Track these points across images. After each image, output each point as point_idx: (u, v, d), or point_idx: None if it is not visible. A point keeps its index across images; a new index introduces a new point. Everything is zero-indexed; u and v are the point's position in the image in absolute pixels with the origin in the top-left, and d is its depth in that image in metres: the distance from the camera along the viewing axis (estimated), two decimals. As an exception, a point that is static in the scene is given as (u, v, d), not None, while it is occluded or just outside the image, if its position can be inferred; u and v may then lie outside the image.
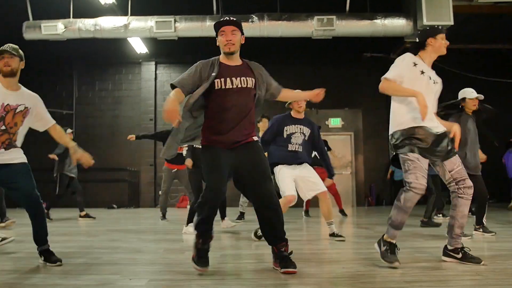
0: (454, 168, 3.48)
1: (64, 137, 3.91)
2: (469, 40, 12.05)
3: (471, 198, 3.50)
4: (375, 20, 9.65)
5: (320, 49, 12.78)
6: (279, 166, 5.03)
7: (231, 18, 3.37)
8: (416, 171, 3.38)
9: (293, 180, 5.00)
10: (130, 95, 14.03)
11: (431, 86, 3.51)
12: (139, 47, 12.61)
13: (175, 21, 9.67)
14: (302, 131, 5.16)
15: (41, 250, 3.65)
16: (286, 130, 5.11)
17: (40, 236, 3.66)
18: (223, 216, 6.40)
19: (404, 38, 10.24)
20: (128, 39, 11.53)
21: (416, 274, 3.15)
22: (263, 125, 7.47)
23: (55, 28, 9.70)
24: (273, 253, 3.33)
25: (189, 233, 5.55)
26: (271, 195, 3.22)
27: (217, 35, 3.43)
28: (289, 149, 5.06)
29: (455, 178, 3.48)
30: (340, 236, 5.14)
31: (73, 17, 9.88)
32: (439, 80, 3.63)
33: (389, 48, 12.95)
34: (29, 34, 9.92)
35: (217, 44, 3.44)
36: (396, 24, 9.64)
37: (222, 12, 9.90)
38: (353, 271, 3.31)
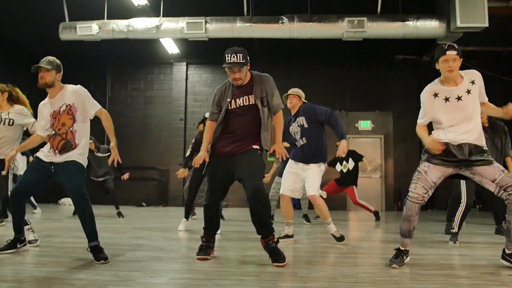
0: (496, 177, 3.56)
1: (109, 128, 3.95)
2: (506, 42, 11.68)
3: None
4: (407, 22, 9.49)
5: (351, 50, 12.66)
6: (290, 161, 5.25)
7: (237, 58, 3.73)
8: (418, 182, 3.69)
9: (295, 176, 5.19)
10: (161, 95, 14.25)
11: (455, 105, 3.66)
12: (170, 47, 12.80)
13: (205, 22, 9.77)
14: (298, 124, 5.20)
15: (89, 246, 3.74)
16: (291, 131, 5.27)
17: (86, 232, 3.76)
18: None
19: (437, 40, 10.03)
20: (160, 39, 11.72)
21: (438, 282, 3.08)
22: None
23: (90, 29, 9.95)
24: (262, 245, 3.74)
25: (181, 229, 6.28)
26: (259, 190, 3.59)
27: (224, 67, 3.81)
28: (297, 145, 5.21)
29: (502, 186, 3.54)
30: (338, 238, 5.12)
31: (107, 18, 10.12)
32: (472, 78, 3.68)
33: (422, 50, 12.72)
34: (65, 35, 10.21)
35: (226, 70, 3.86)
36: (428, 26, 9.45)
37: (253, 13, 9.94)
38: (375, 276, 3.27)
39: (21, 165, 8.92)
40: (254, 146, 3.79)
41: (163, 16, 10.01)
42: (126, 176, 8.58)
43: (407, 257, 3.80)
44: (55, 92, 3.88)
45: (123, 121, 13.88)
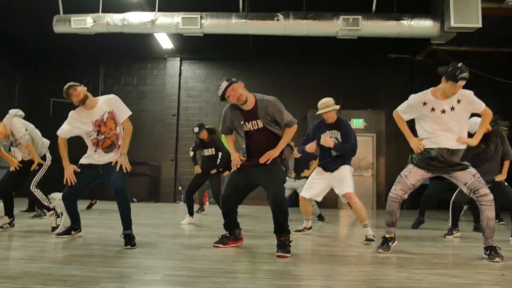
0: (467, 181, 4.10)
1: (126, 140, 4.52)
2: (499, 43, 11.75)
3: (491, 204, 4.04)
4: (401, 21, 9.50)
5: (344, 49, 12.68)
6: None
7: (223, 84, 4.06)
8: (397, 184, 4.34)
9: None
10: (154, 90, 14.17)
11: (438, 117, 4.13)
12: (165, 42, 12.73)
13: (201, 17, 9.71)
14: (333, 136, 5.38)
15: (123, 233, 4.30)
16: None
17: (122, 221, 4.37)
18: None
19: (431, 40, 10.07)
20: (155, 34, 11.64)
21: (433, 281, 3.10)
22: None
23: (84, 22, 9.84)
24: (276, 241, 4.10)
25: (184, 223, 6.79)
26: (278, 195, 3.98)
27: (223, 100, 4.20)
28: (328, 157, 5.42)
29: (472, 189, 4.09)
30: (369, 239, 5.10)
31: (101, 12, 10.02)
32: (459, 98, 4.09)
33: (415, 49, 12.76)
34: (59, 28, 10.09)
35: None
36: (422, 26, 9.46)
37: (248, 10, 9.90)
38: (369, 275, 3.28)
39: None
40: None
41: (158, 11, 9.94)
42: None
43: (393, 242, 4.48)
44: (90, 103, 4.44)
45: (115, 115, 13.76)
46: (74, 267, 3.23)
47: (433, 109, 4.14)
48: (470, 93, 4.15)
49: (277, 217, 4.03)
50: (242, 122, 4.16)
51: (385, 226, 4.50)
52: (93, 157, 4.47)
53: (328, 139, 5.28)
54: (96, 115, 4.43)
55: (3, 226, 5.44)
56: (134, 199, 13.13)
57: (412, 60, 13.12)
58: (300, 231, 5.87)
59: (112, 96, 4.53)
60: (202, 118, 12.93)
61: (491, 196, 4.05)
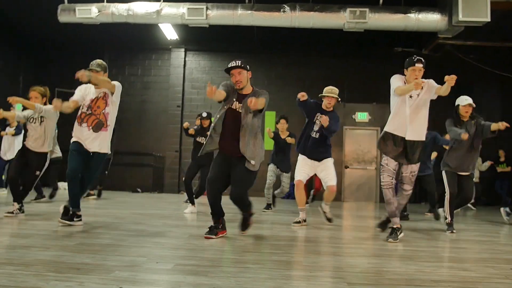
0: (407, 173, 4.70)
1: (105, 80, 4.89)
2: (506, 37, 11.68)
3: (406, 195, 4.82)
4: (408, 14, 9.46)
5: (349, 42, 12.64)
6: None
7: (237, 63, 4.32)
8: (383, 172, 4.71)
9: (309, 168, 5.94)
10: (158, 81, 14.14)
11: (408, 101, 4.56)
12: (169, 33, 12.68)
13: (207, 8, 9.68)
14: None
15: (72, 210, 4.87)
16: (316, 117, 5.81)
17: (75, 200, 4.89)
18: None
19: (438, 33, 10.03)
20: (159, 25, 11.59)
21: (443, 274, 3.11)
22: (282, 126, 7.88)
23: (89, 12, 9.82)
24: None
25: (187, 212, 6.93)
26: (236, 197, 4.39)
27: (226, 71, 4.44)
28: (310, 134, 5.85)
29: (401, 180, 4.74)
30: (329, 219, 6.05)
31: (106, 2, 9.98)
32: (418, 92, 4.54)
33: (421, 43, 12.71)
34: (63, 17, 10.06)
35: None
36: (430, 19, 9.43)
37: (254, 1, 9.85)
38: (379, 267, 3.29)
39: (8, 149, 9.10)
40: (247, 155, 4.30)
41: (163, 1, 9.90)
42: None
43: (400, 232, 4.69)
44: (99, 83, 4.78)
45: (120, 106, 13.70)
46: (85, 255, 3.25)
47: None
48: (430, 80, 4.62)
49: (240, 208, 4.58)
50: (234, 99, 4.38)
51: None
52: (80, 134, 4.85)
53: (326, 118, 5.60)
54: (97, 93, 4.90)
55: (14, 212, 5.54)
56: (139, 190, 13.16)
57: (418, 53, 13.02)
58: (298, 222, 5.82)
59: (114, 82, 4.90)
60: (207, 110, 12.87)
61: (410, 191, 4.80)
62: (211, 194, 4.39)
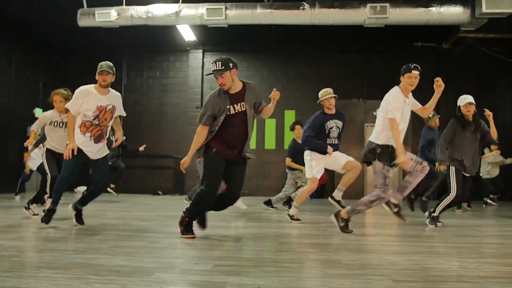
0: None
1: (118, 124, 5.26)
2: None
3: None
4: (430, 8, 9.30)
5: (369, 37, 12.47)
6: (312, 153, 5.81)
7: (216, 66, 4.12)
8: (387, 187, 4.73)
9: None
10: (177, 83, 14.15)
11: (406, 109, 4.74)
12: (187, 34, 12.67)
13: (226, 8, 9.64)
14: (337, 125, 5.84)
15: (80, 209, 5.09)
16: (327, 126, 5.78)
17: (86, 200, 5.09)
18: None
19: (460, 27, 9.85)
20: (177, 26, 11.58)
21: (488, 270, 3.01)
22: (298, 131, 7.66)
23: (109, 15, 9.85)
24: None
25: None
26: (235, 197, 4.38)
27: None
28: (327, 142, 5.76)
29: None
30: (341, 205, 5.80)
31: (125, 5, 10.01)
32: (406, 100, 4.79)
33: (441, 37, 12.51)
34: (83, 21, 10.11)
35: None
36: (452, 12, 9.26)
37: (273, -1, 9.80)
38: (420, 263, 3.20)
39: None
40: (246, 155, 4.26)
41: (182, 2, 9.89)
42: (142, 148, 10.36)
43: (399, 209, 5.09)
44: (105, 90, 4.83)
45: (138, 109, 13.82)
46: (121, 258, 3.21)
47: (404, 101, 4.73)
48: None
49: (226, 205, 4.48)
50: (228, 106, 4.15)
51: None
52: (84, 143, 4.78)
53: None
54: (104, 102, 4.80)
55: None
56: (159, 192, 13.19)
57: (438, 48, 12.86)
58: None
59: (119, 95, 5.03)
60: (225, 110, 12.87)
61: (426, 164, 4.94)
62: (212, 201, 4.27)
